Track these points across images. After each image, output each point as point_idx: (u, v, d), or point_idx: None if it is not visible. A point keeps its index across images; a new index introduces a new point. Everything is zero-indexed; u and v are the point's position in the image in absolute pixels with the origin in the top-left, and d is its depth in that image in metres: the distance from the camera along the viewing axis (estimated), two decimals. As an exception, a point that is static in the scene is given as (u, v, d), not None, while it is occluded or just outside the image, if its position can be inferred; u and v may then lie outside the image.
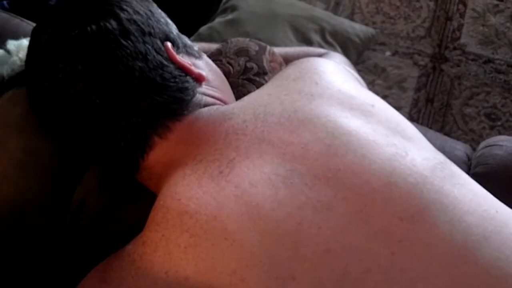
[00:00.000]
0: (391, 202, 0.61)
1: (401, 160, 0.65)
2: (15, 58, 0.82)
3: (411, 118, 1.64)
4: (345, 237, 0.59)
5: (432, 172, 0.65)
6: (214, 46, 1.00)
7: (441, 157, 0.70)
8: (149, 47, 0.73)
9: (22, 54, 0.82)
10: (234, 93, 0.89)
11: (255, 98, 0.74)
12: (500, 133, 1.59)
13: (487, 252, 0.58)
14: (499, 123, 1.61)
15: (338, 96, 0.72)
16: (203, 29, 1.50)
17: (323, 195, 0.61)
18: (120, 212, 0.75)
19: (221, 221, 0.60)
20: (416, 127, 0.77)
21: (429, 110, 1.66)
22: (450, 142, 0.99)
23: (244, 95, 0.90)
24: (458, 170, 0.69)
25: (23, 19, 1.03)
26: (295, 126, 0.68)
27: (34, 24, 0.99)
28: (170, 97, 0.72)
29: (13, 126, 0.78)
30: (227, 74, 0.91)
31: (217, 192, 0.62)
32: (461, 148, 0.97)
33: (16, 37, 0.88)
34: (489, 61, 1.73)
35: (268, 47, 0.97)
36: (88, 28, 0.71)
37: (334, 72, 0.80)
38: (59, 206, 0.76)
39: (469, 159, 0.96)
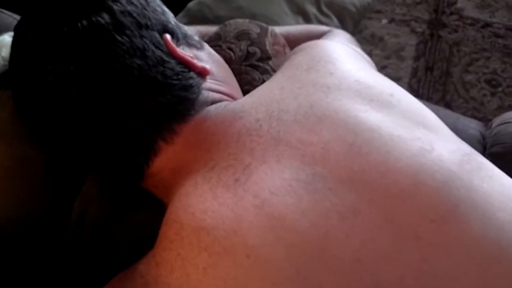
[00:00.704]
0: (420, 203, 0.57)
1: (427, 155, 0.61)
2: (-2, 57, 0.75)
3: (411, 88, 1.60)
4: (375, 245, 0.55)
5: (459, 166, 0.61)
6: (211, 29, 0.94)
7: (466, 147, 0.66)
8: (147, 41, 0.67)
9: (5, 52, 0.75)
10: (237, 81, 0.83)
11: (266, 92, 0.69)
12: (501, 100, 1.56)
13: None
14: (499, 89, 1.57)
15: (356, 87, 0.67)
16: (192, 4, 1.42)
17: (349, 200, 0.57)
18: (125, 221, 0.70)
19: (242, 236, 0.55)
20: (425, 104, 0.74)
21: (429, 79, 1.62)
22: (462, 120, 0.95)
23: (248, 82, 0.85)
24: (484, 159, 0.65)
25: (2, 10, 0.95)
26: (313, 123, 0.63)
27: (16, 17, 0.92)
28: (174, 97, 0.66)
29: (-1, 132, 0.71)
30: (228, 61, 0.85)
31: (235, 203, 0.58)
32: (474, 126, 0.93)
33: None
34: (487, 25, 1.68)
35: (270, 28, 0.91)
36: (79, 24, 0.65)
37: (348, 59, 0.75)
38: (58, 219, 0.70)
39: (483, 137, 0.92)
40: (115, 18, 0.66)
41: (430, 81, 1.62)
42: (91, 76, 0.64)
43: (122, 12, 0.67)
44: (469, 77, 1.61)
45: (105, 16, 0.66)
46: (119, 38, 0.65)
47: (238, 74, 0.84)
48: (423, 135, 0.64)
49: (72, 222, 0.70)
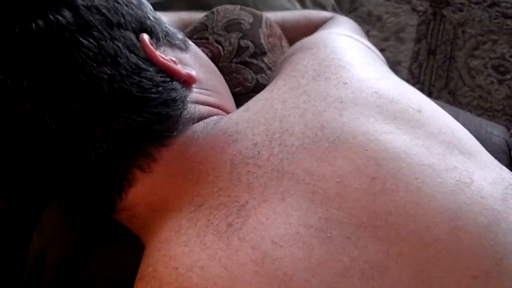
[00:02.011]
0: (460, 256, 0.46)
1: (466, 190, 0.50)
2: None
3: (412, 74, 1.48)
4: None
5: (504, 201, 0.50)
6: (196, 16, 0.80)
7: (506, 173, 0.55)
8: (120, 44, 0.54)
9: None
10: (226, 81, 0.70)
11: (265, 106, 0.56)
12: (509, 88, 1.44)
13: None
14: (508, 76, 1.46)
15: (376, 102, 0.55)
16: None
17: (372, 253, 0.46)
18: (93, 262, 0.57)
19: None
20: (444, 107, 0.62)
21: (431, 64, 1.49)
22: (485, 126, 0.83)
23: (240, 83, 0.71)
24: None
25: None
26: (325, 150, 0.51)
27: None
28: (152, 115, 0.54)
29: None
30: (216, 57, 0.72)
31: (228, 256, 0.46)
32: (498, 133, 0.82)
33: None
34: (494, 4, 1.55)
35: (264, 17, 0.78)
36: (33, 24, 0.51)
37: (363, 62, 0.62)
38: (9, 263, 0.57)
39: (509, 147, 0.80)
40: (79, 16, 0.53)
41: (433, 66, 1.49)
42: (50, 90, 0.51)
43: (88, 7, 0.54)
44: (475, 63, 1.49)
45: (67, 13, 0.52)
46: (84, 41, 0.52)
47: (227, 74, 0.71)
48: (459, 163, 0.52)
49: (28, 265, 0.57)
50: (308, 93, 0.56)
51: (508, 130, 0.87)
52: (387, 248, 0.46)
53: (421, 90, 1.49)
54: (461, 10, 1.55)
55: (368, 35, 1.52)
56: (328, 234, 0.46)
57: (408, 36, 1.53)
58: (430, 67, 1.50)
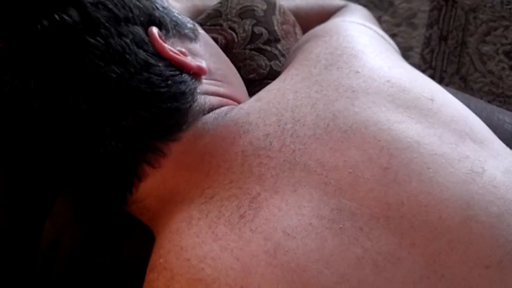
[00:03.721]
0: (472, 245, 0.46)
1: (478, 180, 0.50)
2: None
3: (423, 60, 1.48)
4: None
5: None
6: (210, 2, 0.80)
7: None
8: (128, 41, 0.54)
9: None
10: (239, 67, 0.70)
11: (277, 96, 0.56)
12: (521, 74, 1.44)
13: None
14: (519, 62, 1.45)
15: (388, 90, 0.55)
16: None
17: (385, 244, 0.46)
18: (106, 251, 0.58)
19: None
20: (456, 94, 0.62)
21: (443, 50, 1.49)
22: (497, 113, 0.83)
23: (253, 70, 0.72)
24: None
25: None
26: (337, 140, 0.51)
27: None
28: (161, 110, 0.54)
29: None
30: (230, 44, 0.72)
31: (240, 248, 0.46)
32: (510, 120, 0.81)
33: None
34: (507, -11, 1.54)
35: (278, 4, 0.78)
36: (38, 25, 0.51)
37: (376, 51, 0.62)
38: (22, 251, 0.58)
39: (520, 134, 0.80)
40: (86, 14, 0.53)
41: (445, 52, 1.49)
42: (57, 90, 0.51)
43: (94, 4, 0.53)
44: (486, 48, 1.48)
45: (73, 12, 0.52)
46: (91, 40, 0.52)
47: (241, 60, 0.72)
48: (471, 152, 0.52)
49: (41, 253, 0.57)
50: (320, 83, 0.56)
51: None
52: (400, 239, 0.46)
53: (433, 75, 1.50)
54: (473, -5, 1.54)
55: (380, 20, 1.52)
56: (341, 225, 0.47)
57: (420, 21, 1.52)
58: (441, 52, 1.49)
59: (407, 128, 0.52)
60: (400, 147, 0.50)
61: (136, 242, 0.55)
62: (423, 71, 1.20)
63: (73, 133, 0.52)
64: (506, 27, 1.49)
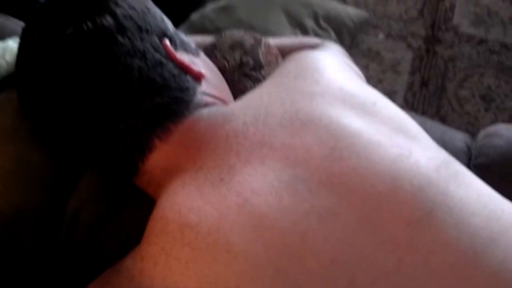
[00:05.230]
0: (397, 207, 0.59)
1: (405, 161, 0.63)
2: (1, 61, 0.78)
3: (406, 102, 1.63)
4: (351, 246, 0.57)
5: (436, 172, 0.63)
6: (207, 39, 0.97)
7: (444, 155, 0.68)
8: (147, 44, 0.71)
9: (9, 57, 0.79)
10: (230, 89, 0.87)
11: (255, 97, 0.72)
12: (495, 115, 1.58)
13: (494, 255, 0.57)
14: (494, 104, 1.60)
15: (340, 95, 0.70)
16: (194, 17, 1.46)
17: (328, 202, 0.60)
18: (118, 221, 0.72)
19: (224, 233, 0.58)
20: (414, 117, 0.76)
21: (424, 94, 1.64)
22: (449, 133, 0.97)
23: (241, 91, 0.88)
24: (462, 167, 0.67)
25: (8, 16, 0.98)
26: (297, 128, 0.65)
27: (20, 23, 0.95)
28: (170, 98, 0.69)
29: (1, 135, 0.74)
30: (222, 70, 0.88)
31: (219, 201, 0.60)
32: (461, 138, 0.96)
33: (1, 37, 0.84)
34: (482, 41, 1.71)
35: (263, 39, 0.94)
36: (84, 26, 0.68)
37: (335, 69, 0.77)
38: (53, 219, 0.73)
39: (469, 149, 0.95)
40: (118, 21, 0.70)
41: (425, 96, 1.64)
42: (94, 75, 0.67)
43: (124, 16, 0.71)
44: (463, 93, 1.63)
45: (109, 18, 0.69)
46: (121, 39, 0.69)
47: (231, 83, 0.88)
48: (402, 142, 0.66)
49: (65, 223, 0.73)
50: (288, 88, 0.71)
51: (472, 136, 1.00)
52: (340, 199, 0.59)
53: (415, 116, 1.64)
54: (451, 47, 1.70)
55: (368, 67, 1.68)
56: (295, 188, 0.60)
57: (404, 69, 1.67)
58: (423, 96, 1.64)
59: (352, 121, 0.66)
60: (345, 134, 0.64)
61: (141, 215, 0.69)
62: (406, 113, 1.32)
63: (103, 112, 0.67)
64: (482, 74, 1.65)
